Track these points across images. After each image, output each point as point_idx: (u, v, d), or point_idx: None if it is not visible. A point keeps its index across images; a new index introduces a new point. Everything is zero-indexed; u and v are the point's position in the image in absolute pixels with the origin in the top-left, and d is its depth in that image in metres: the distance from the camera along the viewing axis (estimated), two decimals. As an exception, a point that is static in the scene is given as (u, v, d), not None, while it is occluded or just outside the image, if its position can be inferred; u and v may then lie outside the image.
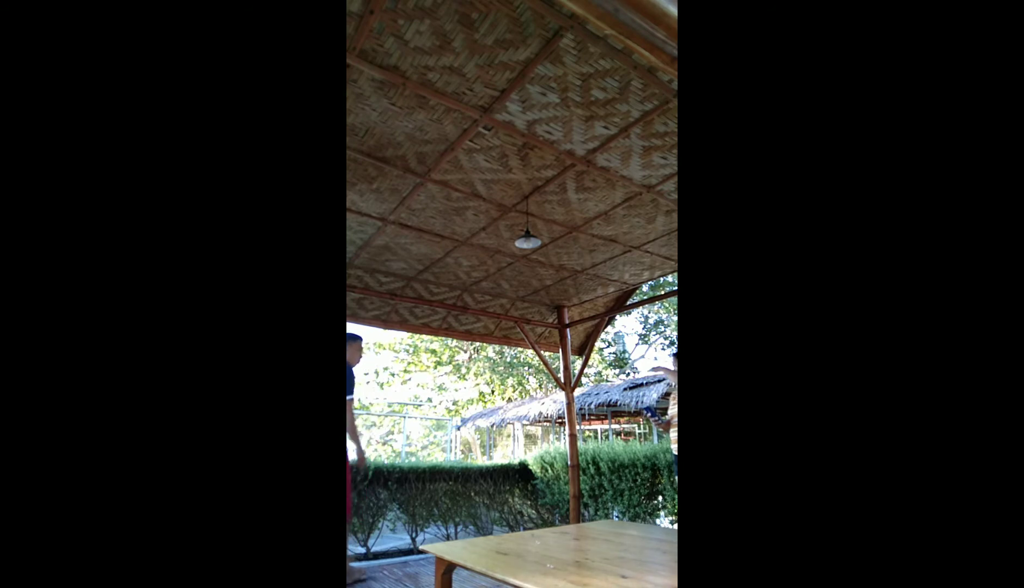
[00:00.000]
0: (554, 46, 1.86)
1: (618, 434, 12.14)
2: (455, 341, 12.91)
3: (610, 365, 14.66)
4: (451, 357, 13.30)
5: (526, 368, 12.85)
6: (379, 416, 13.37)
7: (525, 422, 10.61)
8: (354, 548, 4.45)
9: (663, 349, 14.72)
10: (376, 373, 13.50)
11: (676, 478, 4.14)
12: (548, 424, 11.69)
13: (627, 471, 4.75)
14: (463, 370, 13.22)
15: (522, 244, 3.16)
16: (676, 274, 5.11)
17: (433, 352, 13.25)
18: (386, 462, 5.17)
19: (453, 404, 13.40)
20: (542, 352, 5.39)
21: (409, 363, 13.49)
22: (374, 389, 13.62)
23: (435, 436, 13.40)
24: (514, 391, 12.83)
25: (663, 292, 6.77)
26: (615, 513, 4.89)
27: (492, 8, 1.71)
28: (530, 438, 12.64)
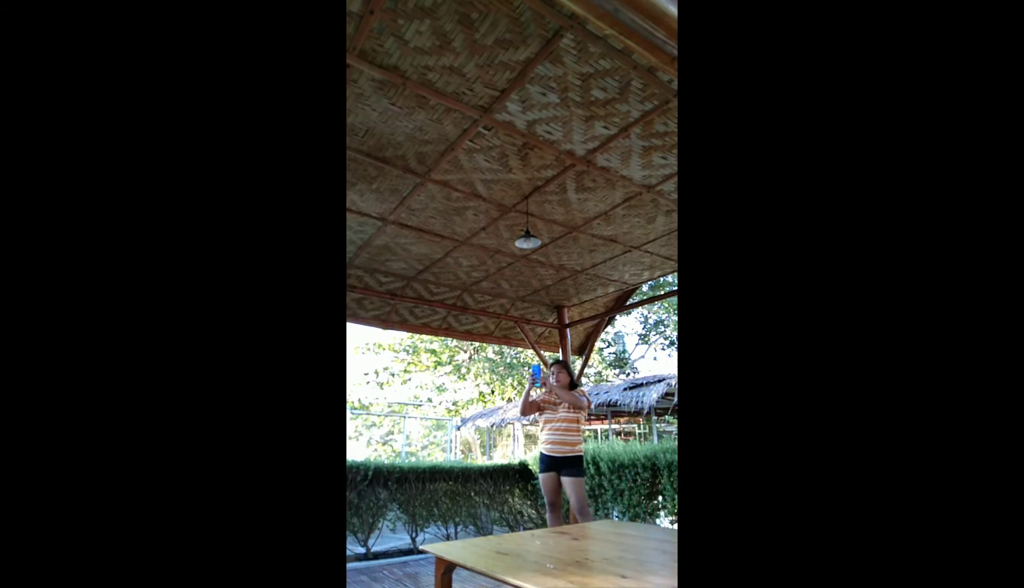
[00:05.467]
0: (554, 46, 1.86)
1: (618, 434, 12.13)
2: (455, 341, 12.91)
3: (610, 365, 14.66)
4: (451, 357, 13.29)
5: (526, 368, 12.84)
6: (379, 416, 13.37)
7: (525, 422, 10.61)
8: (354, 548, 4.45)
9: (663, 349, 14.73)
10: (376, 373, 13.49)
11: (539, 477, 3.64)
12: (548, 424, 11.64)
13: (627, 471, 4.75)
14: (463, 370, 13.22)
15: (522, 244, 3.16)
16: (676, 274, 5.11)
17: (433, 352, 13.24)
18: (386, 462, 5.17)
19: (453, 404, 13.40)
20: (542, 352, 5.39)
21: (409, 363, 13.49)
22: (374, 389, 13.62)
23: (435, 436, 13.40)
24: (514, 391, 12.83)
25: (663, 292, 6.77)
26: (615, 513, 4.88)
27: (492, 8, 1.71)
28: (530, 438, 12.65)
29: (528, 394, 3.67)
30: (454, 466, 5.29)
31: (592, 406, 8.39)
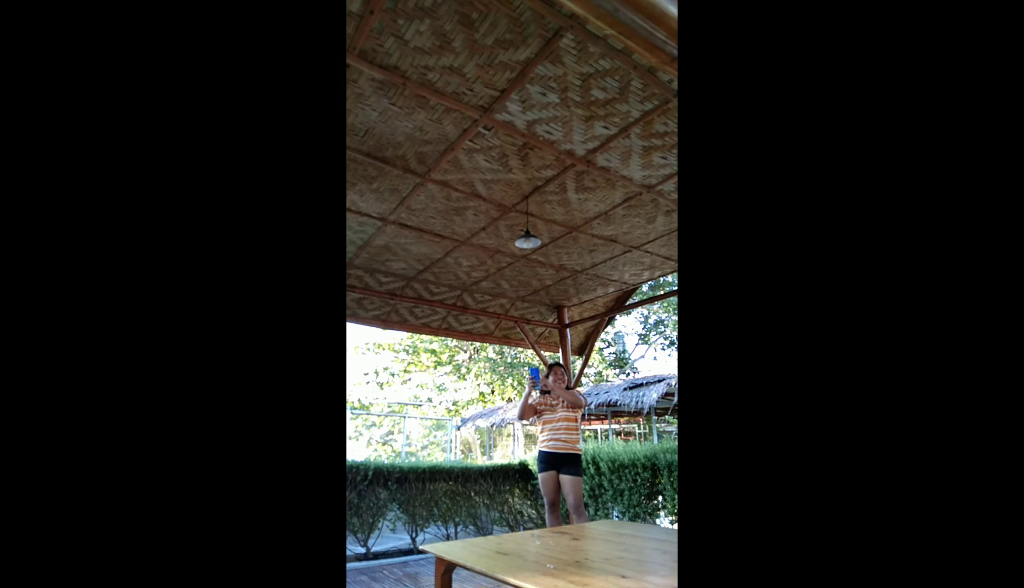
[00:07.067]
0: (554, 46, 1.86)
1: (618, 434, 12.13)
2: (455, 341, 12.91)
3: (610, 365, 14.66)
4: (451, 357, 13.29)
5: (526, 368, 12.84)
6: (379, 416, 13.37)
7: (526, 422, 10.61)
8: (354, 548, 4.45)
9: (663, 349, 14.73)
10: (376, 373, 13.49)
11: (539, 476, 3.65)
12: (548, 424, 11.63)
13: (627, 471, 4.75)
14: (463, 370, 13.22)
15: (522, 244, 3.16)
16: (676, 274, 5.11)
17: (433, 352, 13.24)
18: (386, 462, 5.17)
19: (453, 404, 13.40)
20: (542, 352, 5.39)
21: (409, 363, 13.49)
22: (374, 389, 13.62)
23: (435, 436, 13.39)
24: (514, 391, 12.83)
25: (663, 292, 6.77)
26: (615, 513, 4.88)
27: (492, 8, 1.71)
28: (530, 438, 12.65)
29: (528, 397, 3.67)
30: (454, 466, 5.28)
31: (589, 405, 8.40)
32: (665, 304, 13.62)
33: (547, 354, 5.56)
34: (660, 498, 4.58)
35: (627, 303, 5.25)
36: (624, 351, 15.09)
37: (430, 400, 13.69)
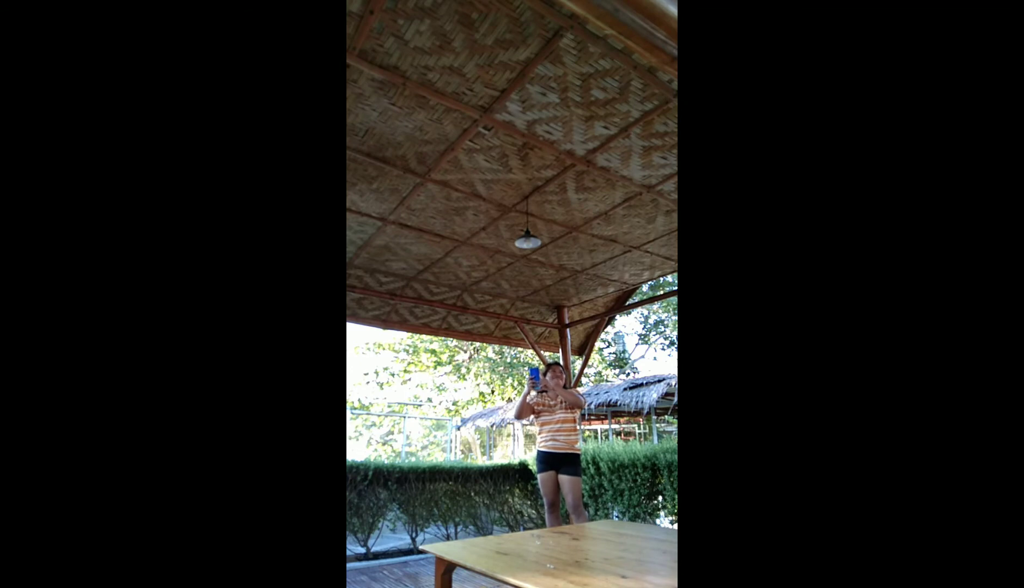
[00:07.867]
0: (554, 46, 1.86)
1: (618, 434, 12.13)
2: (455, 341, 12.91)
3: (610, 365, 14.66)
4: (451, 357, 13.29)
5: (526, 368, 12.84)
6: (379, 416, 13.37)
7: (525, 422, 10.61)
8: (354, 548, 4.45)
9: (663, 349, 14.74)
10: (376, 373, 13.49)
11: (538, 477, 3.63)
12: (548, 424, 11.62)
13: (627, 471, 4.74)
14: (463, 370, 13.22)
15: (522, 244, 3.16)
16: (676, 274, 5.11)
17: (433, 352, 13.24)
18: (386, 462, 5.17)
19: (453, 404, 13.40)
20: (542, 352, 5.39)
21: (409, 363, 13.48)
22: (374, 389, 13.62)
23: (435, 436, 13.39)
24: (514, 391, 12.83)
25: (663, 292, 6.77)
26: (615, 513, 4.88)
27: (492, 8, 1.71)
28: (530, 438, 12.65)
29: (526, 396, 3.67)
30: (454, 466, 5.28)
31: (589, 404, 8.40)
32: (665, 304, 13.62)
33: (547, 354, 5.56)
34: (660, 498, 4.58)
35: (627, 303, 5.25)
36: (624, 351, 15.09)
37: (430, 400, 13.69)
